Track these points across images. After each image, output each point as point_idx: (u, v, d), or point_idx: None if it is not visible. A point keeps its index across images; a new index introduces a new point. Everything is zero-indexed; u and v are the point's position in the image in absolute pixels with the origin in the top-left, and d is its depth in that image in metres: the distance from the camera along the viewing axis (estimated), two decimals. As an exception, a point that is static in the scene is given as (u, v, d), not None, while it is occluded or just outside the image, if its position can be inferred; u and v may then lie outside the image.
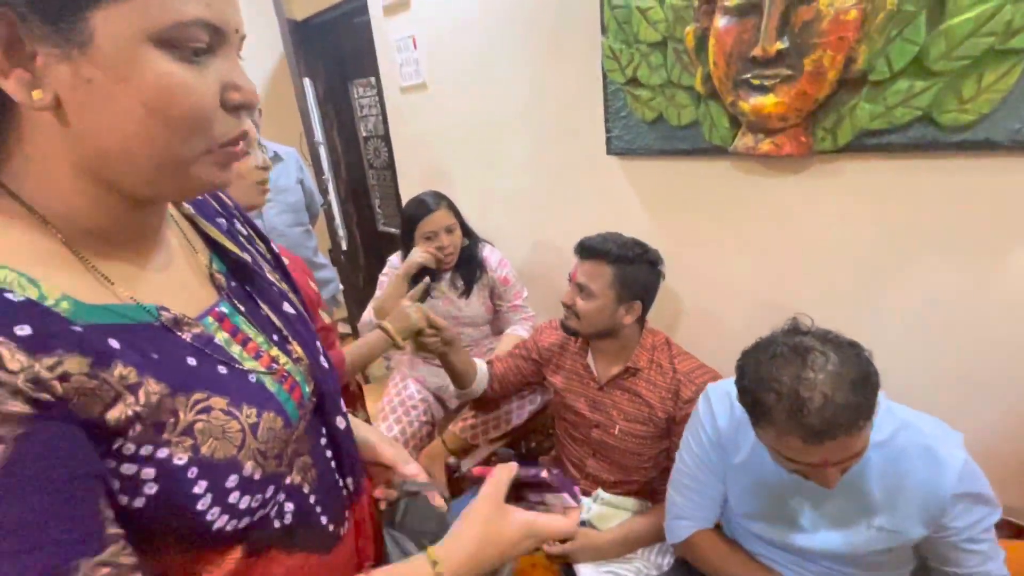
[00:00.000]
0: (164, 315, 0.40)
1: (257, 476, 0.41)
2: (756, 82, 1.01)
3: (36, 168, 0.36)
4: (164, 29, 0.33)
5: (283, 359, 0.48)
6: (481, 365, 1.34)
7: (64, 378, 0.32)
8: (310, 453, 0.49)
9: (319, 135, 2.76)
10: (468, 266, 1.58)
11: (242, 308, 0.48)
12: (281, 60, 2.71)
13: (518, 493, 0.54)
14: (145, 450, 0.35)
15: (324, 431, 0.52)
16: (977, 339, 0.94)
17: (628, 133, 1.32)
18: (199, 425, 0.38)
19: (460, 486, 1.31)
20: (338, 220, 2.93)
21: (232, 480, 0.39)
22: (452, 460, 1.37)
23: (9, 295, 0.32)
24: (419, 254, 1.49)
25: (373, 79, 2.45)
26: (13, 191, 0.36)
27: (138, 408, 0.35)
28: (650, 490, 1.21)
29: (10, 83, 0.32)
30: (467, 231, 1.59)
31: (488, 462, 1.39)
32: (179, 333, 0.41)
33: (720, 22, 1.03)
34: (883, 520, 0.78)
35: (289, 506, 0.45)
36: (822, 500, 0.82)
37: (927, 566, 0.83)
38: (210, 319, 0.44)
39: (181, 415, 0.37)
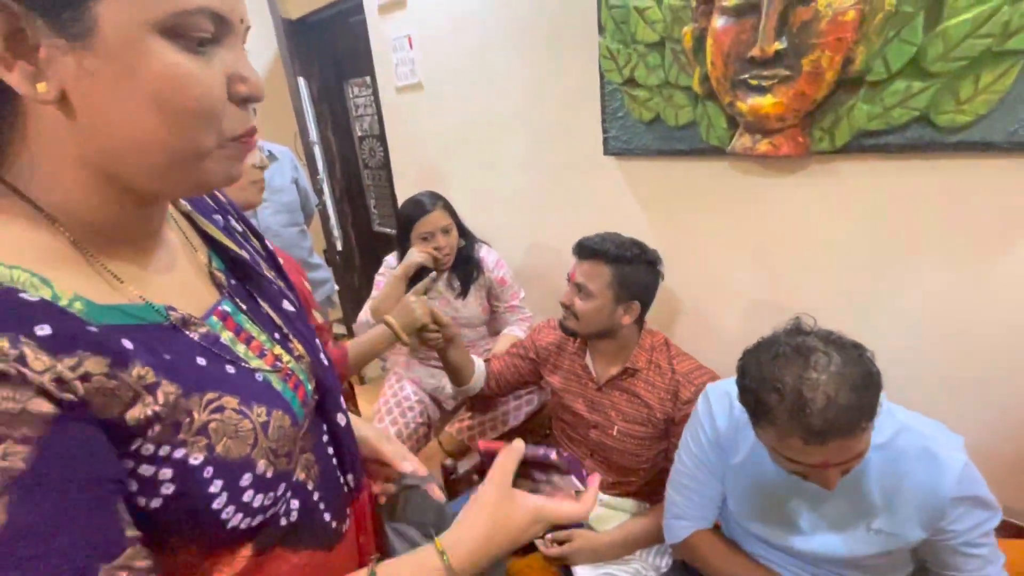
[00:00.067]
0: (173, 315, 0.40)
1: (269, 474, 0.41)
2: (754, 82, 1.01)
3: (42, 165, 0.35)
4: (169, 18, 0.32)
5: (286, 357, 0.48)
6: (479, 363, 1.34)
7: (85, 378, 0.31)
8: (312, 450, 0.49)
9: (314, 135, 2.75)
10: (465, 267, 1.57)
11: (243, 306, 0.48)
12: (275, 59, 2.69)
13: (523, 470, 0.53)
14: (163, 450, 0.35)
15: (325, 428, 0.52)
16: (975, 339, 0.94)
17: (625, 133, 1.32)
18: (213, 425, 0.38)
19: (457, 488, 1.30)
20: (333, 220, 2.91)
21: (246, 479, 0.39)
22: (449, 462, 1.36)
23: (25, 295, 0.31)
24: (417, 254, 1.48)
25: (368, 78, 2.44)
26: (19, 189, 0.35)
27: (157, 408, 0.35)
28: (648, 491, 1.20)
29: (14, 76, 0.32)
30: (464, 232, 1.59)
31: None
32: (188, 333, 0.40)
33: (718, 22, 1.03)
34: (882, 523, 0.78)
35: (295, 503, 0.45)
36: (821, 502, 0.82)
37: (925, 569, 0.83)
38: (215, 318, 0.44)
39: (195, 415, 0.37)
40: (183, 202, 0.50)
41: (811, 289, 1.12)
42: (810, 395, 0.65)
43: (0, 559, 0.28)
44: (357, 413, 1.39)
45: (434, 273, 1.32)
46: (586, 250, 1.13)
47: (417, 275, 1.48)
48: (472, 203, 1.83)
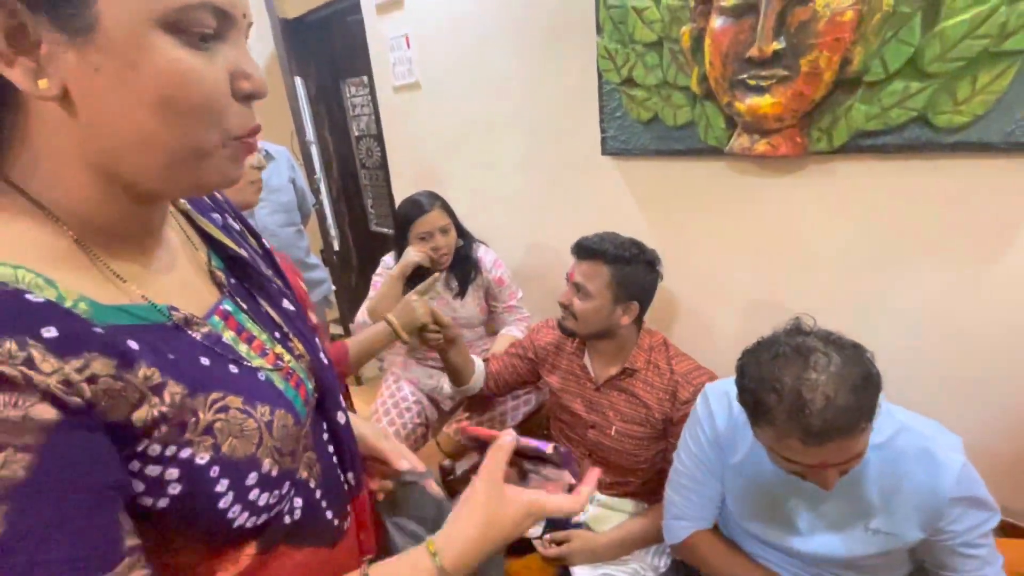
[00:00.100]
0: (175, 315, 0.40)
1: (275, 473, 0.41)
2: (752, 83, 1.01)
3: (44, 163, 0.35)
4: (171, 12, 0.32)
5: (287, 356, 0.48)
6: (478, 363, 1.34)
7: (92, 380, 0.31)
8: (314, 449, 0.49)
9: (311, 134, 2.74)
10: (463, 267, 1.57)
11: (244, 306, 0.48)
12: (272, 58, 2.68)
13: (513, 459, 0.52)
14: (169, 450, 0.35)
15: (325, 427, 0.52)
16: (972, 339, 0.95)
17: (623, 133, 1.32)
18: (218, 424, 0.38)
19: (455, 488, 1.30)
20: (330, 220, 2.90)
21: (252, 478, 0.39)
22: (447, 462, 1.35)
23: (30, 296, 0.31)
24: (414, 253, 1.47)
25: (366, 78, 2.43)
26: (22, 187, 0.35)
27: (164, 408, 0.35)
28: (646, 491, 1.20)
29: (15, 72, 0.31)
30: (461, 231, 1.58)
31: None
32: (190, 333, 0.40)
33: (716, 22, 1.03)
34: (880, 523, 0.78)
35: (298, 502, 0.45)
36: (819, 502, 0.82)
37: (923, 569, 0.83)
38: (216, 317, 0.44)
39: (201, 415, 0.37)
40: (181, 200, 0.50)
41: (809, 289, 1.13)
42: (809, 396, 0.65)
43: None
44: (354, 413, 1.38)
45: (438, 273, 1.32)
46: (585, 250, 1.12)
47: (415, 275, 1.47)
48: (470, 203, 1.82)
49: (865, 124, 0.93)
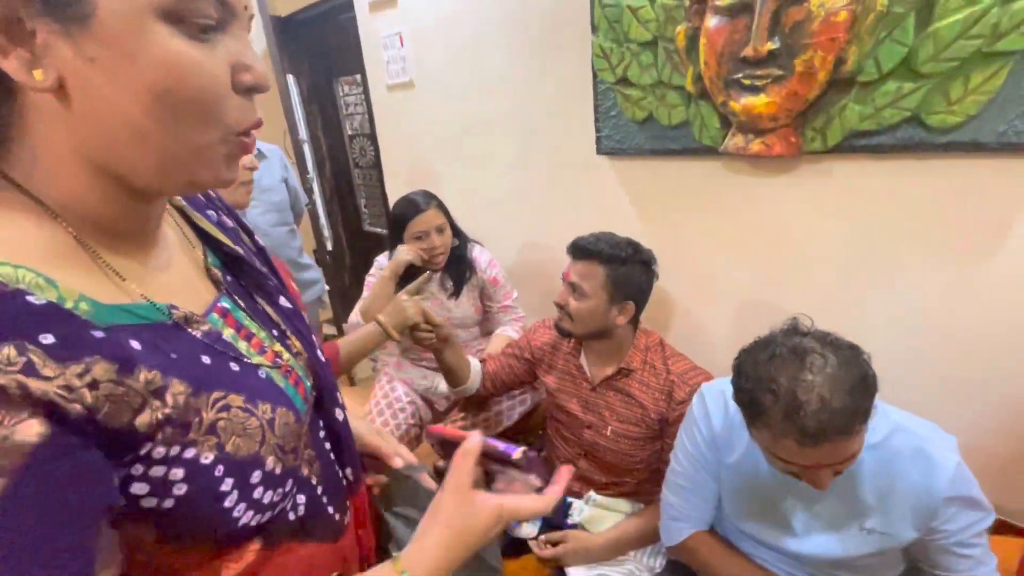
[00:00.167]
0: (175, 313, 0.39)
1: (278, 471, 0.41)
2: (747, 82, 1.01)
3: (42, 158, 0.34)
4: (171, 2, 0.31)
5: (285, 354, 0.48)
6: (474, 363, 1.33)
7: (94, 386, 0.31)
8: (312, 446, 0.49)
9: (303, 133, 2.72)
10: (457, 267, 1.56)
11: (242, 303, 0.47)
12: (264, 56, 2.65)
13: (480, 459, 0.52)
14: (173, 450, 0.35)
15: (322, 424, 0.52)
16: (965, 338, 0.95)
17: (618, 133, 1.32)
18: (221, 423, 0.37)
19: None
20: (323, 220, 2.88)
21: (256, 476, 0.39)
22: (441, 463, 1.35)
23: (31, 298, 0.30)
24: (406, 252, 1.46)
25: (359, 76, 2.42)
26: (20, 183, 0.34)
27: (167, 411, 0.34)
28: (642, 492, 1.20)
29: (10, 63, 0.30)
30: (456, 231, 1.58)
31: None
32: (190, 331, 0.40)
33: (711, 22, 1.03)
34: (875, 522, 0.78)
35: (301, 498, 0.45)
36: (814, 502, 0.82)
37: (918, 569, 0.84)
38: (215, 315, 0.43)
39: (204, 414, 0.37)
40: (177, 197, 0.49)
41: (803, 287, 1.13)
42: (804, 397, 0.65)
43: None
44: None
45: (428, 272, 1.31)
46: (580, 250, 1.12)
47: (407, 274, 1.46)
48: (464, 203, 1.81)
49: (859, 124, 0.93)
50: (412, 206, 1.47)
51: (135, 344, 0.34)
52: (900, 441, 0.76)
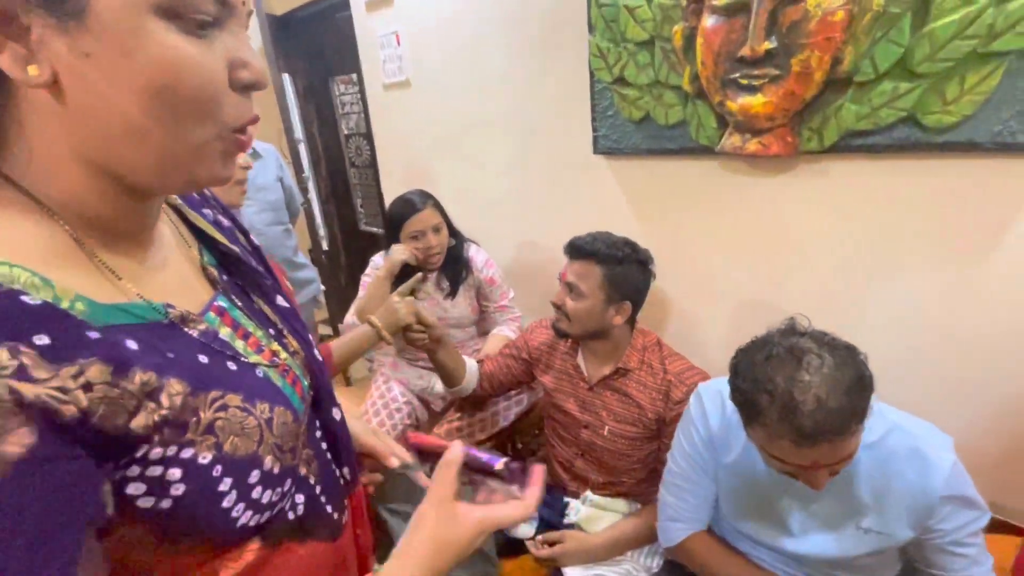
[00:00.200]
0: (172, 312, 0.39)
1: (276, 470, 0.41)
2: (744, 82, 1.01)
3: (38, 156, 0.34)
4: None
5: (282, 353, 0.48)
6: (471, 363, 1.33)
7: (88, 388, 0.30)
8: (310, 445, 0.49)
9: (299, 132, 2.71)
10: (454, 266, 1.56)
11: (238, 302, 0.47)
12: (260, 55, 2.64)
13: (461, 469, 0.53)
14: (171, 450, 0.34)
15: (319, 423, 0.52)
16: (962, 338, 0.96)
17: (615, 132, 1.31)
18: (219, 423, 0.37)
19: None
20: (319, 219, 2.87)
21: (254, 476, 0.39)
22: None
23: (26, 298, 0.30)
24: (401, 251, 1.46)
25: (355, 75, 2.41)
26: (17, 181, 0.34)
27: (164, 412, 0.34)
28: (639, 492, 1.20)
29: (4, 58, 0.30)
30: (453, 231, 1.57)
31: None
32: (187, 330, 0.39)
33: (708, 21, 1.03)
34: (871, 522, 0.78)
35: (299, 498, 0.45)
36: (811, 501, 0.82)
37: (914, 569, 0.84)
38: (212, 314, 0.43)
39: (202, 414, 0.36)
40: (173, 195, 0.49)
41: (800, 287, 1.13)
42: (801, 397, 0.65)
43: None
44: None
45: (421, 273, 1.30)
46: (577, 250, 1.12)
47: (402, 273, 1.45)
48: (461, 202, 1.81)
49: (855, 124, 0.94)
50: (408, 206, 1.47)
51: (131, 344, 0.34)
52: (896, 441, 0.76)
